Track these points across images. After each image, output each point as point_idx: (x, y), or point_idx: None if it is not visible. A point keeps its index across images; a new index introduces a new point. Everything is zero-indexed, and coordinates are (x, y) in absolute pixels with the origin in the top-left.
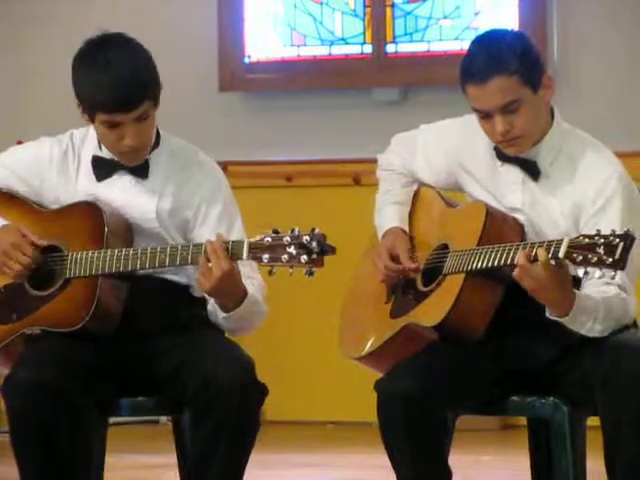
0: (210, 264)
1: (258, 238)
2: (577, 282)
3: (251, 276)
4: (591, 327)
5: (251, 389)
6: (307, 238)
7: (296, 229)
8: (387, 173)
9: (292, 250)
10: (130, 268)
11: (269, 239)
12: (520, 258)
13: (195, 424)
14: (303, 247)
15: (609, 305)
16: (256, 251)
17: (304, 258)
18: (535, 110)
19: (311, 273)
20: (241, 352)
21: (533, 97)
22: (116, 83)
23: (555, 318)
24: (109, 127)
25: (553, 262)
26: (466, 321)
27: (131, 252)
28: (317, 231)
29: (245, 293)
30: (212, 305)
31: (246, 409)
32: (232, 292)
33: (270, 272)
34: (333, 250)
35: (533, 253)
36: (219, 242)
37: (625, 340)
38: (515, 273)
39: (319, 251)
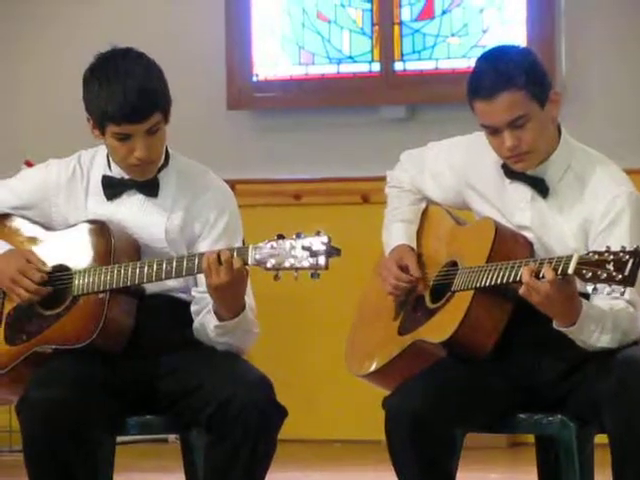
0: (221, 265)
1: (263, 243)
2: (586, 298)
3: (248, 294)
4: (598, 337)
5: (271, 411)
6: (312, 240)
7: (301, 233)
8: (396, 190)
9: (297, 253)
10: (137, 281)
11: (274, 243)
12: (524, 275)
13: (212, 445)
14: (308, 250)
15: (617, 316)
16: (261, 256)
17: (309, 261)
18: (542, 125)
19: (317, 276)
20: (258, 372)
21: (540, 112)
22: (128, 94)
23: (562, 329)
24: (119, 140)
25: (560, 277)
26: (474, 338)
27: (138, 265)
28: (322, 233)
29: (243, 308)
30: (199, 321)
31: (265, 431)
32: (234, 299)
33: (276, 277)
34: (338, 252)
35: (541, 271)
36: (225, 251)
37: (632, 356)
38: (521, 291)
39: (324, 253)
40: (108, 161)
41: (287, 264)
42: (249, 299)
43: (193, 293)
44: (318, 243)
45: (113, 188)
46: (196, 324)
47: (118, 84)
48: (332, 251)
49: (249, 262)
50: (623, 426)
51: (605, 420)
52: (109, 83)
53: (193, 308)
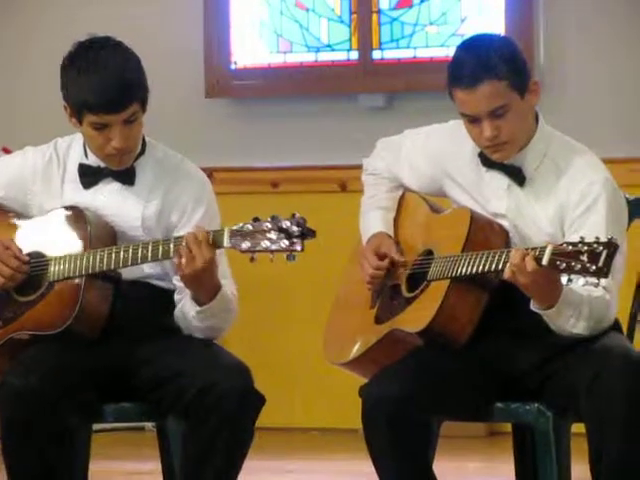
0: (192, 253)
1: (239, 225)
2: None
3: (225, 284)
4: (574, 323)
5: (249, 398)
6: (287, 222)
7: (277, 215)
8: (372, 178)
9: (272, 235)
10: (113, 266)
11: (249, 226)
12: (515, 257)
13: (190, 432)
14: (283, 231)
15: (593, 304)
16: (237, 238)
17: (284, 242)
18: (521, 115)
19: (292, 257)
20: (237, 359)
21: (520, 102)
22: (106, 84)
23: (540, 311)
24: (97, 129)
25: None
26: (450, 327)
27: (113, 250)
28: (297, 215)
29: (219, 287)
30: (180, 309)
31: (243, 418)
32: (209, 283)
33: (252, 259)
34: (313, 233)
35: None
36: (200, 232)
37: (610, 345)
38: (506, 274)
39: (299, 234)
40: (85, 149)
41: (262, 246)
42: (229, 280)
43: (174, 282)
44: (293, 225)
45: (90, 176)
46: (177, 312)
47: (97, 74)
48: (307, 232)
49: (224, 244)
50: (600, 415)
51: (582, 409)
52: (88, 72)
53: (176, 297)
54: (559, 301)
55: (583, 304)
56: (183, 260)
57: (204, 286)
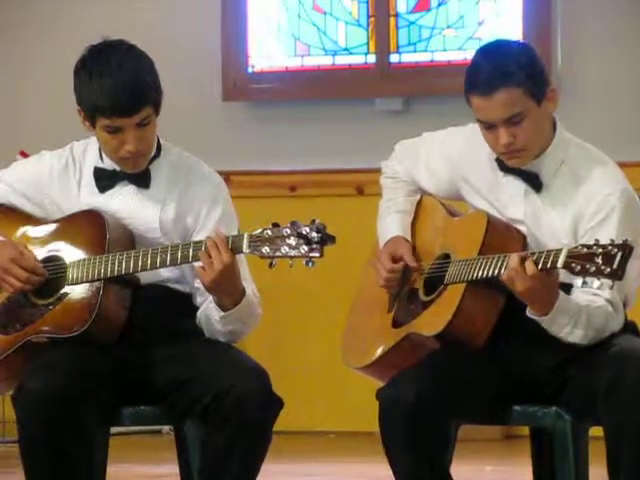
0: (211, 258)
1: (258, 231)
2: (568, 289)
3: (245, 278)
4: (570, 331)
5: (268, 401)
6: (307, 228)
7: (296, 221)
8: (391, 181)
9: (292, 241)
10: (132, 270)
11: (269, 232)
12: (512, 261)
13: (208, 435)
14: (303, 237)
15: (592, 313)
16: (256, 244)
17: (304, 248)
18: (538, 123)
19: (311, 263)
20: (255, 362)
21: (537, 110)
22: (118, 87)
23: (535, 317)
24: (110, 132)
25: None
26: (467, 331)
27: (132, 254)
28: (317, 221)
29: (244, 292)
30: (203, 312)
31: (262, 421)
32: (231, 288)
33: (271, 265)
34: (333, 239)
35: (533, 259)
36: (220, 236)
37: (629, 349)
38: (504, 277)
39: (319, 240)
40: (100, 153)
41: (282, 251)
42: (247, 282)
43: (196, 285)
44: (313, 231)
45: (105, 180)
46: (199, 314)
47: (109, 77)
48: (327, 239)
49: (244, 250)
50: (618, 419)
51: (600, 413)
52: (100, 76)
53: (198, 300)
54: (554, 309)
55: (581, 313)
56: (203, 266)
57: (227, 291)
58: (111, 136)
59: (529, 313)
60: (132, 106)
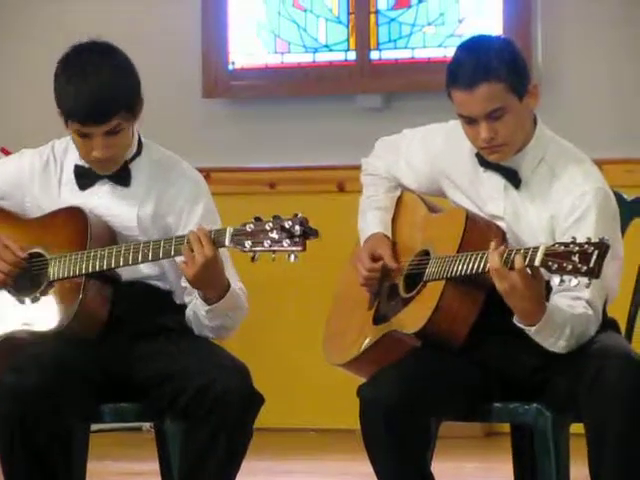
0: (193, 252)
1: (240, 225)
2: (549, 290)
3: (230, 275)
4: (554, 342)
5: (248, 397)
6: (289, 222)
7: (279, 215)
8: (371, 177)
9: (274, 235)
10: (113, 265)
11: (251, 225)
12: (493, 260)
13: (188, 432)
14: (285, 231)
15: (575, 323)
16: (239, 237)
17: (287, 242)
18: (519, 118)
19: (295, 257)
20: (235, 358)
21: (518, 105)
22: (88, 95)
23: (521, 326)
24: (80, 136)
25: (529, 270)
26: (447, 328)
27: (114, 250)
28: (299, 215)
29: (228, 285)
30: (191, 309)
31: (242, 418)
32: (215, 281)
33: (253, 259)
34: (316, 233)
35: (510, 258)
36: (202, 230)
37: (610, 345)
38: (491, 269)
39: (301, 234)
40: None
41: (264, 246)
42: (232, 279)
43: (182, 284)
44: (295, 225)
45: (86, 178)
46: (188, 312)
47: (82, 83)
48: (310, 232)
49: (226, 243)
50: (600, 416)
51: (582, 409)
52: (74, 81)
53: (186, 299)
54: (541, 322)
55: (566, 325)
56: (186, 261)
57: (211, 285)
58: (82, 140)
59: (516, 320)
60: (102, 114)
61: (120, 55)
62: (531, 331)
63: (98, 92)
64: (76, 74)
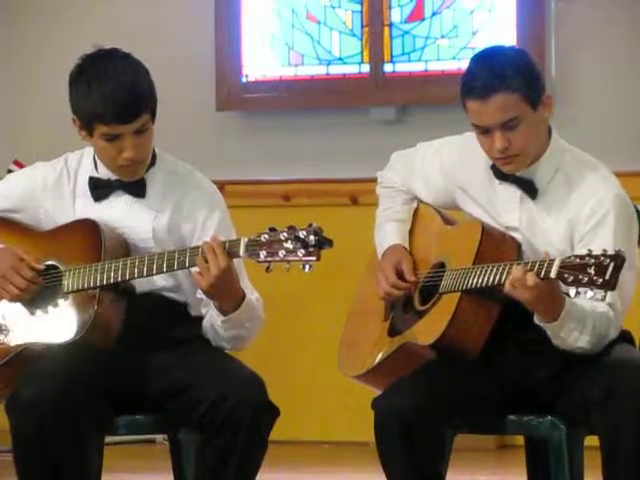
0: (208, 263)
1: (255, 235)
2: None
3: (246, 286)
4: (578, 337)
5: (263, 409)
6: (304, 232)
7: (293, 225)
8: (387, 190)
9: (289, 245)
10: (128, 277)
11: (266, 236)
12: (517, 272)
13: (204, 444)
14: (300, 241)
15: (597, 319)
16: (253, 248)
17: (301, 252)
18: (534, 128)
19: (309, 267)
20: (250, 370)
21: (532, 115)
22: (117, 94)
23: (543, 324)
24: (108, 140)
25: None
26: (462, 340)
27: (128, 261)
28: (314, 225)
29: (243, 296)
30: (208, 320)
31: (258, 430)
32: (230, 292)
33: (267, 269)
34: (330, 243)
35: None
36: (216, 241)
37: (622, 358)
38: (507, 287)
39: (316, 244)
40: (95, 162)
41: (279, 256)
42: (254, 293)
43: (199, 296)
44: (310, 235)
45: (100, 189)
46: (205, 323)
47: (107, 84)
48: (324, 242)
49: (241, 254)
50: (613, 429)
51: (595, 422)
52: (98, 84)
53: (203, 310)
54: (562, 314)
55: (587, 318)
56: (201, 272)
57: (226, 295)
58: (109, 144)
59: (537, 320)
60: (131, 113)
61: (133, 58)
62: (555, 326)
63: (126, 90)
64: (97, 79)
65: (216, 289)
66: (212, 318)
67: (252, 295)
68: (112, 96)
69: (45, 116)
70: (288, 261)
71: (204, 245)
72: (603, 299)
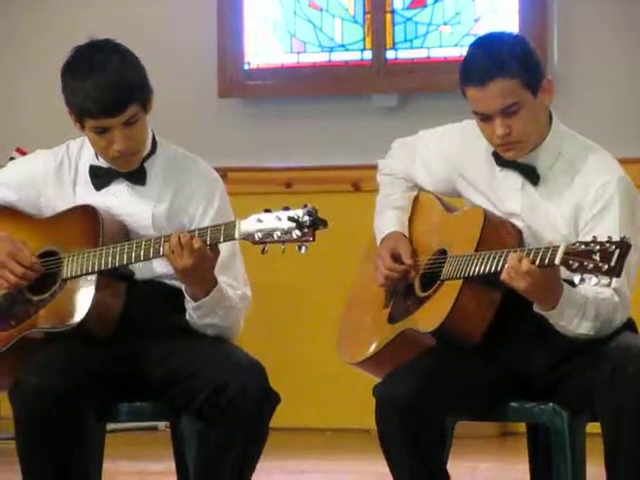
0: (174, 254)
1: (250, 217)
2: (571, 284)
3: (234, 285)
4: (579, 323)
5: (264, 396)
6: (299, 213)
7: (288, 207)
8: (388, 178)
9: (284, 225)
10: (126, 261)
11: (260, 217)
12: (511, 261)
13: (204, 430)
14: (295, 222)
15: (599, 304)
16: (248, 229)
17: (296, 233)
18: (534, 114)
19: (304, 248)
20: (251, 357)
21: (533, 101)
22: (102, 87)
23: (542, 312)
24: (98, 133)
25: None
26: (463, 327)
27: (126, 246)
28: (308, 205)
29: (215, 283)
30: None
31: (258, 416)
32: (202, 279)
33: (263, 250)
34: (325, 223)
35: (527, 258)
36: (184, 237)
37: (625, 345)
38: (503, 276)
39: (311, 224)
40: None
41: (274, 236)
42: (242, 288)
43: None
44: (305, 215)
45: (101, 177)
46: (187, 315)
47: (92, 78)
48: (319, 222)
49: (236, 237)
50: (615, 415)
51: (597, 409)
52: (84, 77)
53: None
54: (560, 302)
55: (588, 304)
56: (175, 254)
57: (195, 281)
58: (99, 137)
59: (536, 308)
60: (117, 105)
61: (122, 48)
62: (553, 314)
63: (111, 83)
64: (84, 71)
65: (190, 274)
66: (186, 304)
67: (237, 290)
68: (97, 89)
69: (47, 103)
70: (283, 242)
71: (171, 238)
72: (608, 285)
